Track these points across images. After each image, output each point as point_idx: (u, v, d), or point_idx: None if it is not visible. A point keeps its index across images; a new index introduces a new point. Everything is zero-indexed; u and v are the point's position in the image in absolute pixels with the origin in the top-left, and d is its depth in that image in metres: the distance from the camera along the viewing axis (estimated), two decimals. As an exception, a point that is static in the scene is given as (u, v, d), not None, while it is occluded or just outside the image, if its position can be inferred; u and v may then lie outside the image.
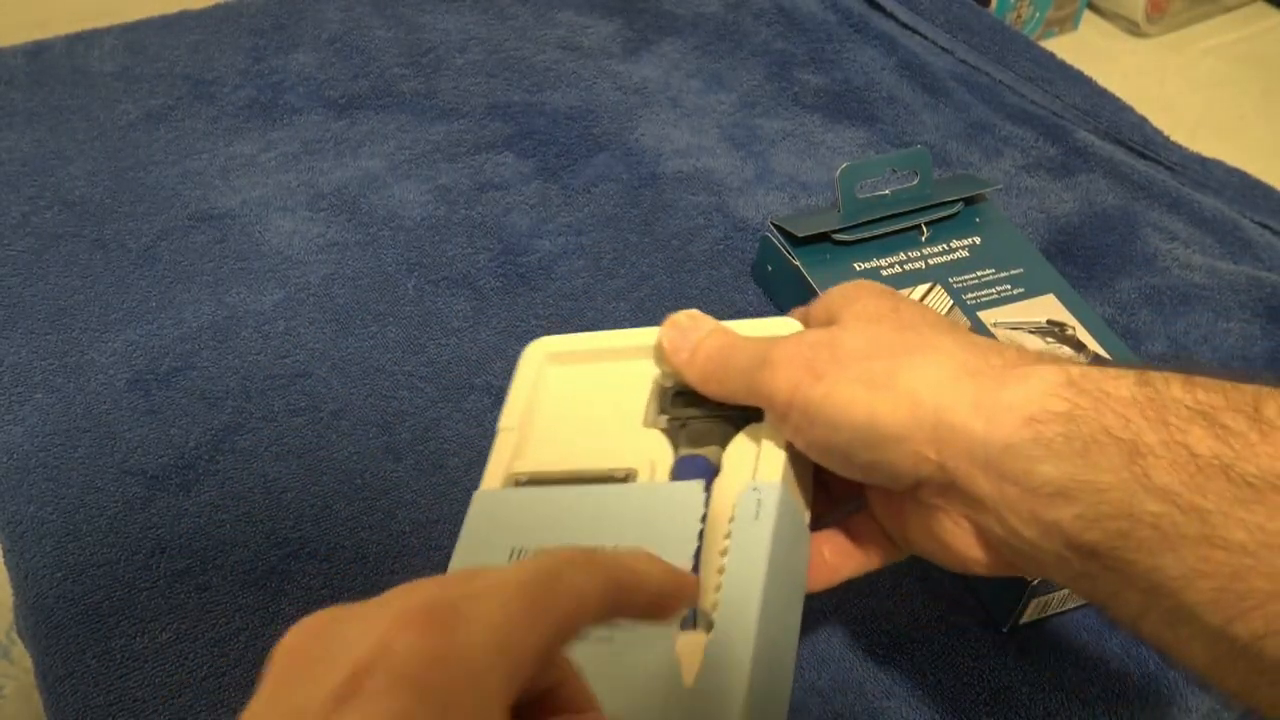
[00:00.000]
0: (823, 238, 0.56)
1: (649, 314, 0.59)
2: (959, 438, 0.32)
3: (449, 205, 0.64)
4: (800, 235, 0.56)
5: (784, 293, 0.58)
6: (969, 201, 0.59)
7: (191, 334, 0.56)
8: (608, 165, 0.68)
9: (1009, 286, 0.56)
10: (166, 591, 0.46)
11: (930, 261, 0.57)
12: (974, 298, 0.55)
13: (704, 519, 0.36)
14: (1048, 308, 0.55)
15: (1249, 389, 0.29)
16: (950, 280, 0.56)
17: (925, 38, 0.80)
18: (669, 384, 0.42)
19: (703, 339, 0.39)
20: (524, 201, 0.65)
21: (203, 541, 0.48)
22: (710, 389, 0.39)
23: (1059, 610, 0.46)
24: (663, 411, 0.42)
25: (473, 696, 0.23)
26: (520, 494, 0.40)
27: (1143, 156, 0.71)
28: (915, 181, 0.59)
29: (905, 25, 0.81)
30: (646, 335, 0.42)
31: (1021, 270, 0.56)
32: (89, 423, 0.52)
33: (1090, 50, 1.78)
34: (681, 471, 0.39)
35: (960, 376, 0.33)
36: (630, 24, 0.80)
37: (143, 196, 0.64)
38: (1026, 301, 0.55)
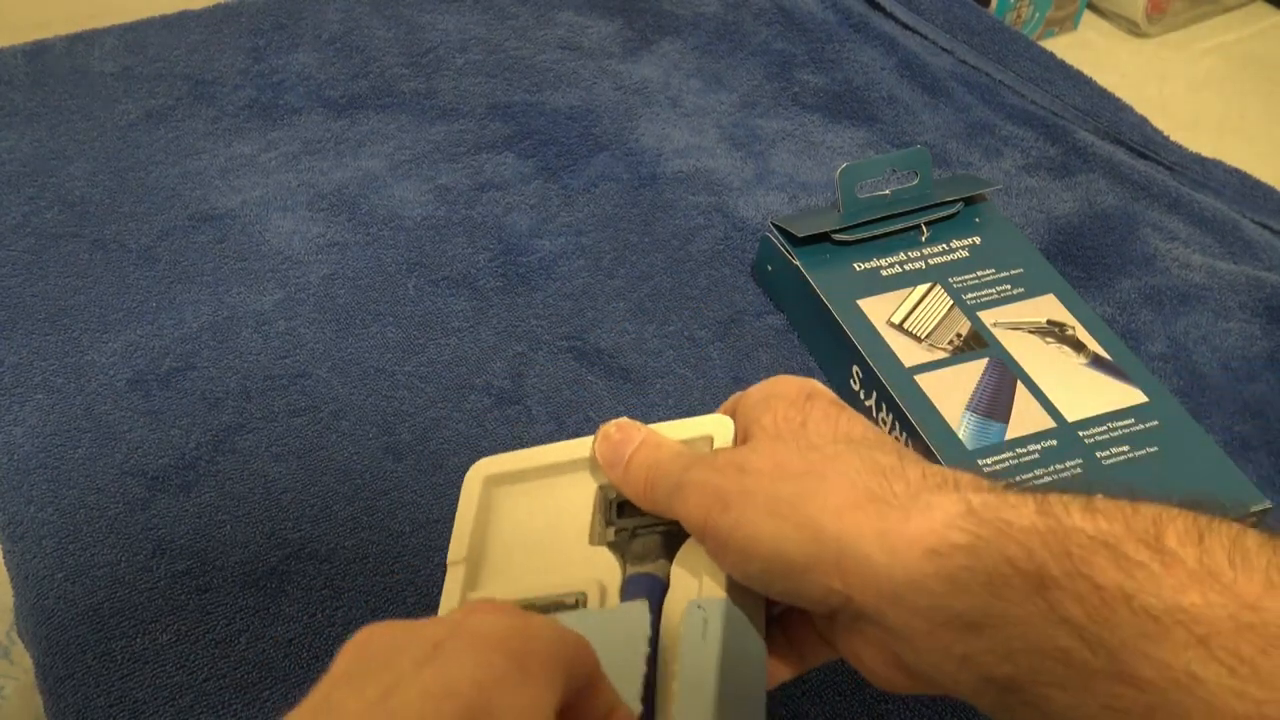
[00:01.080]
0: (823, 238, 0.56)
1: (649, 314, 0.59)
2: (863, 569, 0.31)
3: (449, 205, 0.64)
4: (800, 235, 0.56)
5: (784, 293, 0.58)
6: (969, 201, 0.59)
7: (191, 334, 0.56)
8: (608, 165, 0.68)
9: (1009, 286, 0.56)
10: (167, 592, 0.46)
11: (930, 261, 0.57)
12: (974, 298, 0.55)
13: (650, 641, 0.35)
14: (1048, 308, 0.55)
15: (1149, 513, 0.29)
16: (950, 280, 0.56)
17: (925, 38, 0.80)
18: (612, 494, 0.42)
19: (633, 454, 0.39)
20: (524, 201, 0.65)
21: (203, 542, 0.48)
22: (644, 506, 0.39)
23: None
24: (609, 524, 0.41)
25: (543, 664, 0.26)
26: None
27: (1143, 156, 0.71)
28: (915, 181, 0.59)
29: (905, 25, 0.81)
30: (584, 446, 0.42)
31: (1021, 270, 0.56)
32: (89, 423, 0.52)
33: (1090, 50, 1.78)
34: (631, 590, 0.38)
35: (861, 504, 0.32)
36: (630, 24, 0.80)
37: (143, 196, 0.64)
38: (1026, 301, 0.55)
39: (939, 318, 0.54)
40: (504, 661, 0.25)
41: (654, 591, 0.38)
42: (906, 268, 0.56)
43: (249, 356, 0.55)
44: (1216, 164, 0.71)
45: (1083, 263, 0.63)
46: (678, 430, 0.40)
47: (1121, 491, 0.30)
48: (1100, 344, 0.53)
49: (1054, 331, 0.54)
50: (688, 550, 0.39)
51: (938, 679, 0.32)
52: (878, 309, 0.54)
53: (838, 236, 0.56)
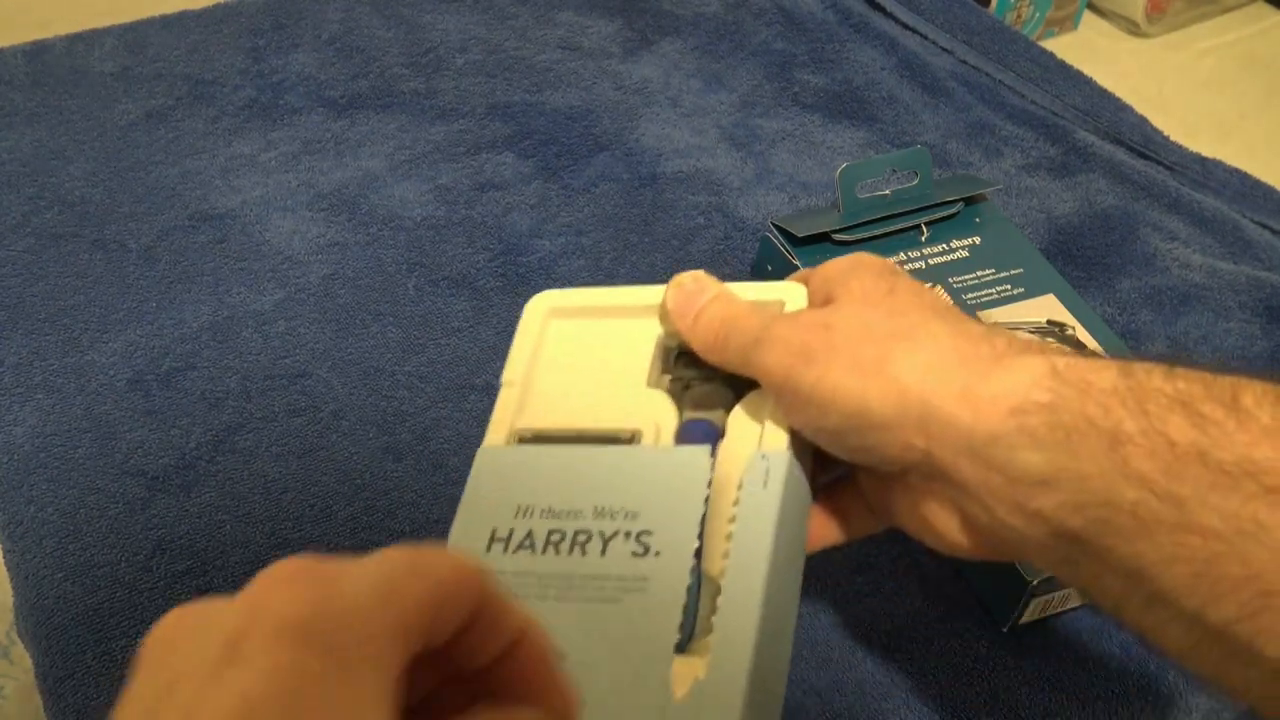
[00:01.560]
0: (823, 238, 0.56)
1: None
2: (945, 427, 0.32)
3: (449, 205, 0.64)
4: (800, 235, 0.56)
5: (784, 293, 0.58)
6: (969, 201, 0.59)
7: (191, 334, 0.56)
8: (608, 165, 0.68)
9: (1009, 286, 0.56)
10: (167, 592, 0.46)
11: (930, 261, 0.57)
12: (974, 298, 0.55)
13: (709, 484, 0.36)
14: (1048, 308, 0.55)
15: (1228, 379, 0.29)
16: (950, 280, 0.56)
17: (925, 38, 0.80)
18: (673, 344, 0.42)
19: (705, 305, 0.39)
20: (524, 201, 0.65)
21: (203, 542, 0.48)
22: (711, 357, 0.39)
23: (1059, 610, 0.46)
24: (666, 371, 0.41)
25: (361, 644, 0.21)
26: (524, 452, 0.40)
27: (1143, 156, 0.71)
28: (915, 181, 0.59)
29: (905, 25, 0.81)
30: (652, 293, 0.42)
31: (1021, 270, 0.56)
32: (89, 423, 0.52)
33: (1090, 50, 1.78)
34: (686, 435, 0.39)
35: (948, 366, 0.33)
36: (630, 24, 0.80)
37: (143, 196, 0.64)
38: (1026, 301, 0.55)
39: (939, 318, 0.54)
40: (312, 657, 0.20)
41: (710, 438, 0.38)
42: (907, 268, 0.56)
43: (249, 356, 0.55)
44: (1216, 164, 0.71)
45: (1083, 263, 0.63)
46: (750, 291, 0.40)
47: (1206, 365, 0.31)
48: (1100, 344, 0.53)
49: (1054, 331, 0.54)
50: (749, 402, 0.39)
51: (1005, 536, 0.32)
52: (878, 309, 0.54)
53: (838, 236, 0.56)
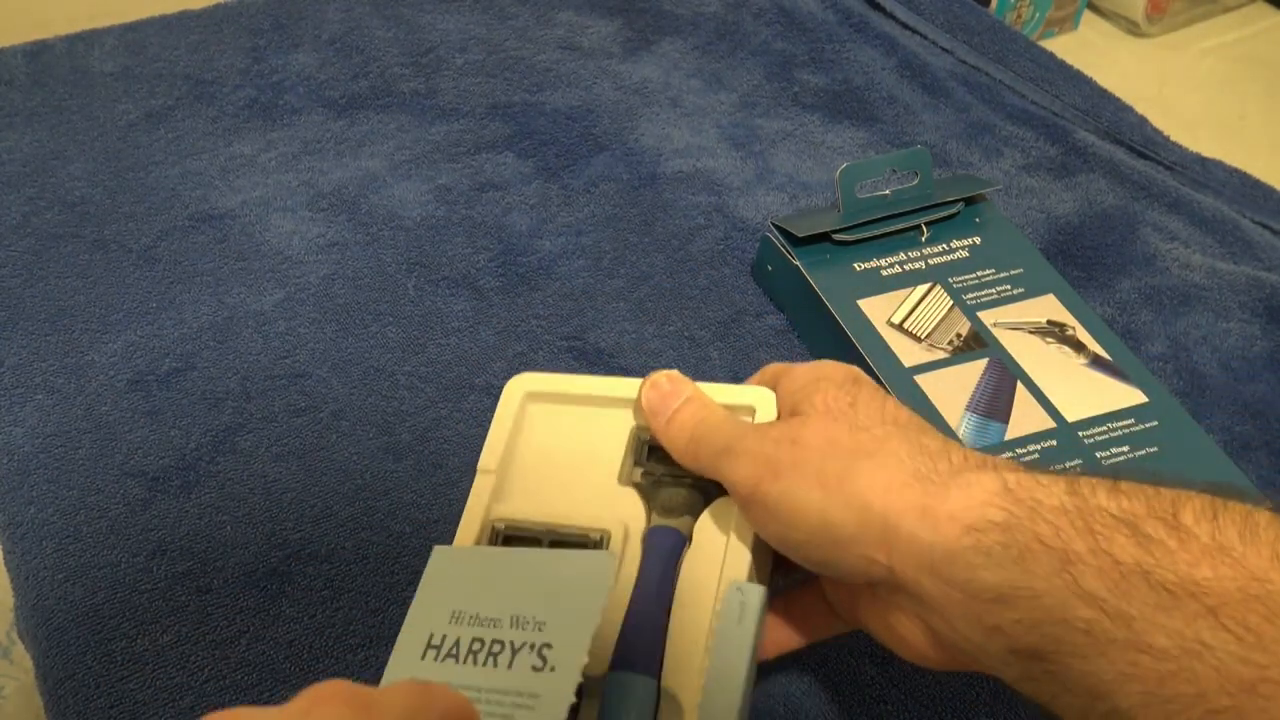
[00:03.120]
0: (823, 238, 0.56)
1: (649, 314, 0.59)
2: (907, 543, 0.33)
3: (449, 205, 0.64)
4: (800, 235, 0.56)
5: (784, 293, 0.58)
6: (969, 201, 0.59)
7: (191, 334, 0.56)
8: (608, 165, 0.68)
9: (1009, 286, 0.56)
10: (167, 593, 0.46)
11: (930, 261, 0.57)
12: (974, 298, 0.55)
13: (606, 595, 0.36)
14: (1048, 308, 0.55)
15: (1168, 495, 0.31)
16: (950, 280, 0.56)
17: (925, 38, 0.80)
18: (645, 436, 0.43)
19: (680, 407, 0.40)
20: (524, 201, 0.65)
21: (203, 543, 0.48)
22: (683, 461, 0.40)
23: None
24: (638, 464, 0.43)
25: None
26: (473, 554, 0.41)
27: (1143, 156, 0.71)
28: (915, 181, 0.59)
29: (905, 25, 0.81)
30: (628, 386, 0.43)
31: (1021, 270, 0.56)
32: (89, 424, 0.52)
33: (1090, 50, 1.78)
34: (653, 541, 0.40)
35: (908, 483, 0.34)
36: (630, 24, 0.80)
37: (143, 196, 0.64)
38: (1026, 301, 0.55)
39: (939, 318, 0.54)
40: None
41: (676, 547, 0.40)
42: (906, 268, 0.56)
43: (249, 356, 0.55)
44: (1216, 164, 0.71)
45: (1083, 263, 0.63)
46: (721, 394, 0.41)
47: (1146, 477, 0.32)
48: (1100, 344, 0.53)
49: (1054, 331, 0.54)
50: (715, 510, 0.40)
51: (967, 649, 0.33)
52: (878, 309, 0.54)
53: (838, 236, 0.56)
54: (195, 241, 0.61)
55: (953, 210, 0.58)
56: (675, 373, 0.42)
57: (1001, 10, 1.71)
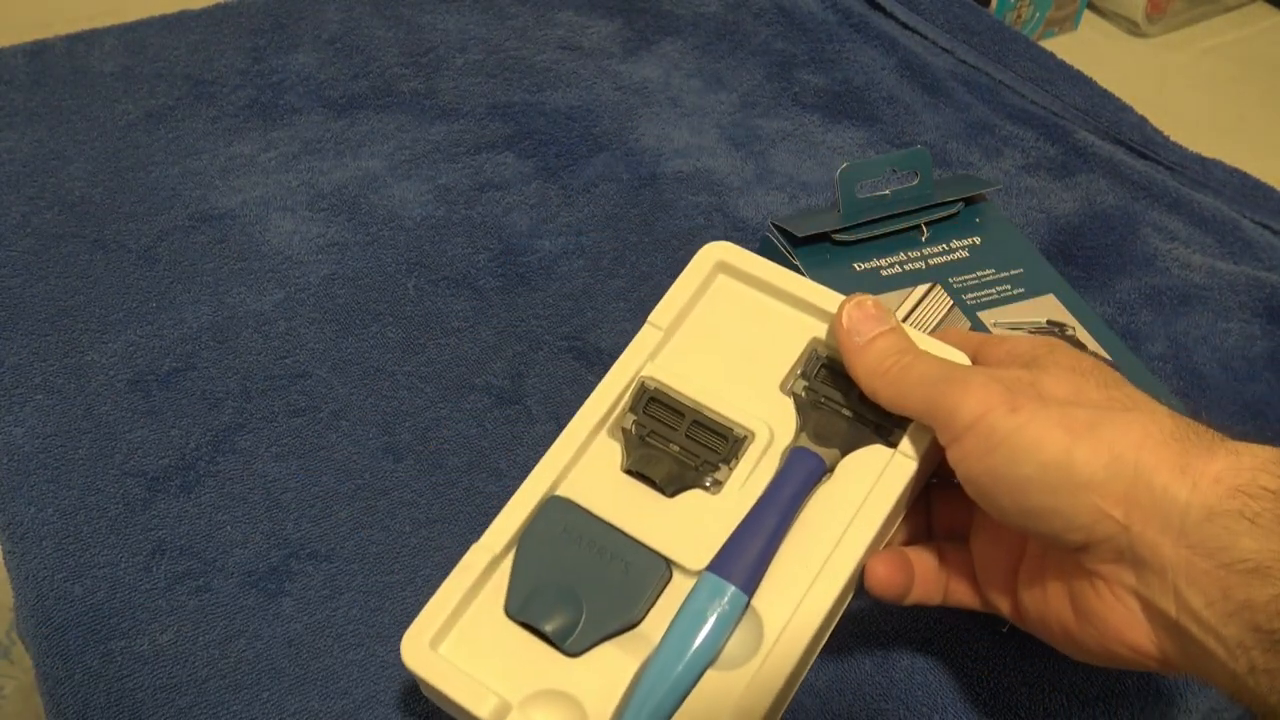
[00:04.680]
0: (823, 238, 0.56)
1: (649, 314, 0.58)
2: (1155, 500, 0.30)
3: (449, 205, 0.64)
4: (800, 235, 0.56)
5: (784, 293, 0.58)
6: (969, 201, 0.59)
7: (191, 334, 0.56)
8: (608, 165, 0.68)
9: (1009, 286, 0.56)
10: (167, 593, 0.46)
11: (930, 262, 0.57)
12: (974, 298, 0.55)
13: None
14: (1048, 308, 0.55)
15: None
16: (950, 280, 0.56)
17: (925, 38, 0.80)
18: (823, 354, 0.41)
19: (882, 333, 0.38)
20: (524, 201, 0.65)
21: (203, 543, 0.48)
22: (873, 385, 0.37)
23: (1059, 610, 0.46)
24: (804, 377, 0.41)
25: None
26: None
27: (1143, 156, 0.71)
28: (915, 181, 0.59)
29: (905, 25, 0.81)
30: (824, 295, 0.41)
31: (1021, 270, 0.56)
32: (89, 423, 0.52)
33: (1090, 50, 1.78)
34: (795, 460, 0.38)
35: (1166, 440, 0.31)
36: (630, 24, 0.80)
37: (143, 196, 0.64)
38: (1026, 302, 0.55)
39: (939, 318, 0.54)
40: None
41: (815, 474, 0.38)
42: (906, 268, 0.56)
43: (249, 356, 0.55)
44: (1216, 164, 0.71)
45: (1083, 263, 0.63)
46: (920, 340, 0.39)
47: None
48: (1100, 344, 0.53)
49: (1054, 331, 0.54)
50: (867, 454, 0.39)
51: (1190, 632, 0.30)
52: (878, 309, 0.54)
53: (838, 237, 0.56)
54: (195, 241, 0.61)
55: (953, 210, 0.58)
56: (881, 300, 0.39)
57: (1001, 10, 1.71)
